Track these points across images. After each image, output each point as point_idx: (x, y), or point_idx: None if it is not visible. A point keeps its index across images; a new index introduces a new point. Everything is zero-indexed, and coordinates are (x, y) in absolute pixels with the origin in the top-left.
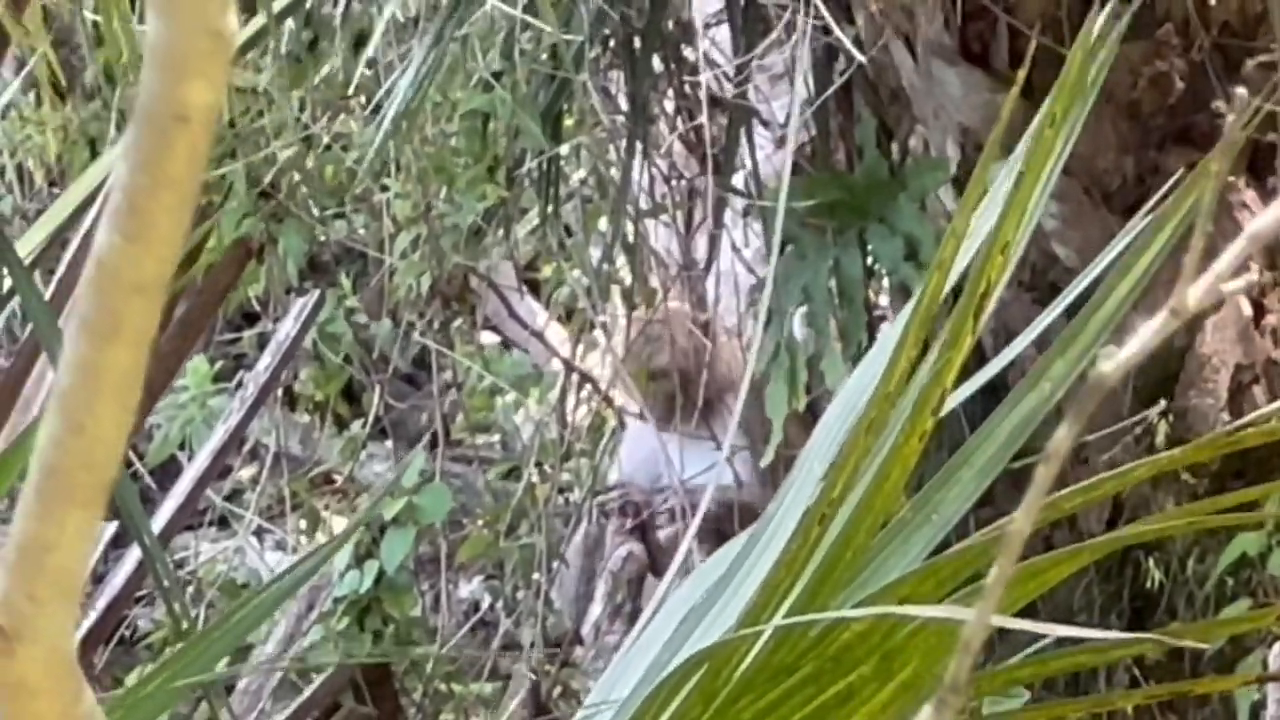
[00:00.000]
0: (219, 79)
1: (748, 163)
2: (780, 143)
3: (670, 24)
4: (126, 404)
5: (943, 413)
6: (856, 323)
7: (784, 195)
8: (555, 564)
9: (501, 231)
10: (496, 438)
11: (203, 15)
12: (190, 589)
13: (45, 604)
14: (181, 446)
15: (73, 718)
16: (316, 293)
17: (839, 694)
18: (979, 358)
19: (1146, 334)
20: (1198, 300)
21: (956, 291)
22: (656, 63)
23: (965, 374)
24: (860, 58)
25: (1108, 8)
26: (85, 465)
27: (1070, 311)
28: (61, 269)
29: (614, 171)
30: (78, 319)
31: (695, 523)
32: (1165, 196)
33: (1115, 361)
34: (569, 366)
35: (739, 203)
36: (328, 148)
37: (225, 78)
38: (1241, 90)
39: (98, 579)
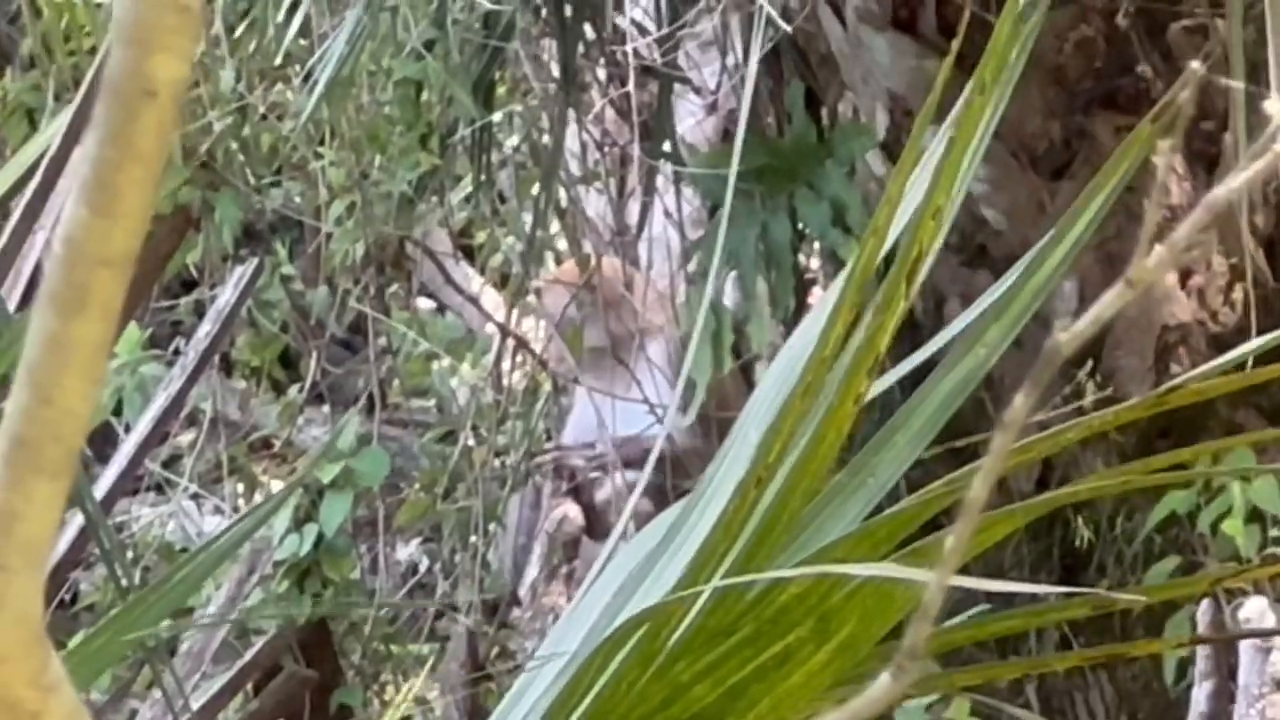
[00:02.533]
0: (186, 53)
1: (678, 129)
2: (710, 109)
3: None
4: (95, 377)
5: (880, 383)
6: (785, 286)
7: (735, 160)
8: (492, 526)
9: (435, 198)
10: (432, 402)
11: None
12: (129, 554)
13: (14, 572)
14: (114, 413)
15: (40, 685)
16: (255, 261)
17: (777, 655)
18: (909, 319)
19: (1103, 304)
20: (1156, 269)
21: (890, 257)
22: (588, 30)
23: (895, 334)
24: (785, 27)
25: None
26: (54, 436)
27: (994, 267)
28: (2, 240)
29: (546, 139)
30: (46, 292)
31: (643, 481)
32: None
33: (1071, 333)
34: (504, 331)
35: (671, 168)
36: (263, 117)
37: (192, 52)
38: (1196, 65)
39: None
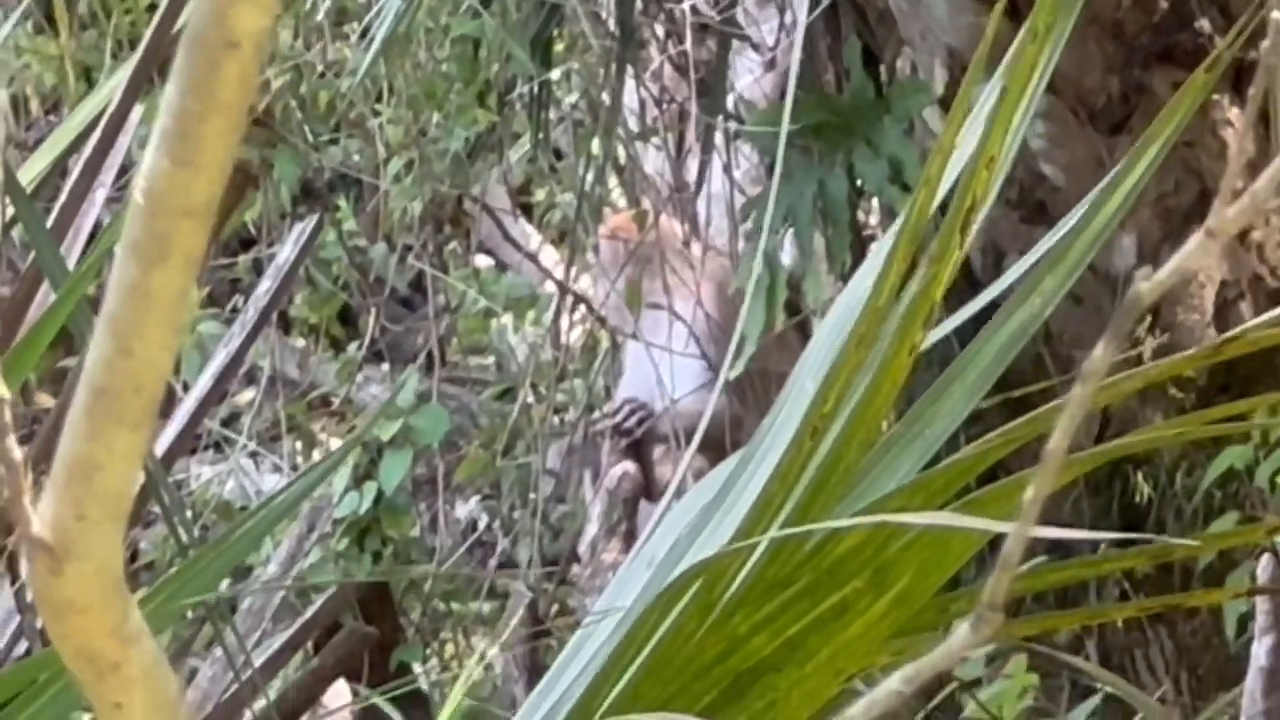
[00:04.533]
0: (268, 5)
1: (736, 85)
2: (768, 66)
3: None
4: (175, 326)
5: (935, 335)
6: (841, 243)
7: (786, 117)
8: (551, 482)
9: (493, 156)
10: (491, 359)
11: None
12: (188, 512)
13: (94, 523)
14: (173, 371)
15: (121, 636)
16: (315, 218)
17: (834, 606)
18: (968, 275)
19: (1184, 255)
20: (1236, 220)
21: (944, 208)
22: None
23: (954, 291)
24: None
25: None
26: (134, 387)
27: (1053, 223)
28: (63, 197)
29: (604, 95)
30: (127, 242)
31: (697, 439)
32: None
33: (1153, 282)
34: (563, 288)
35: (730, 125)
36: (321, 75)
37: (274, 4)
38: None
39: None
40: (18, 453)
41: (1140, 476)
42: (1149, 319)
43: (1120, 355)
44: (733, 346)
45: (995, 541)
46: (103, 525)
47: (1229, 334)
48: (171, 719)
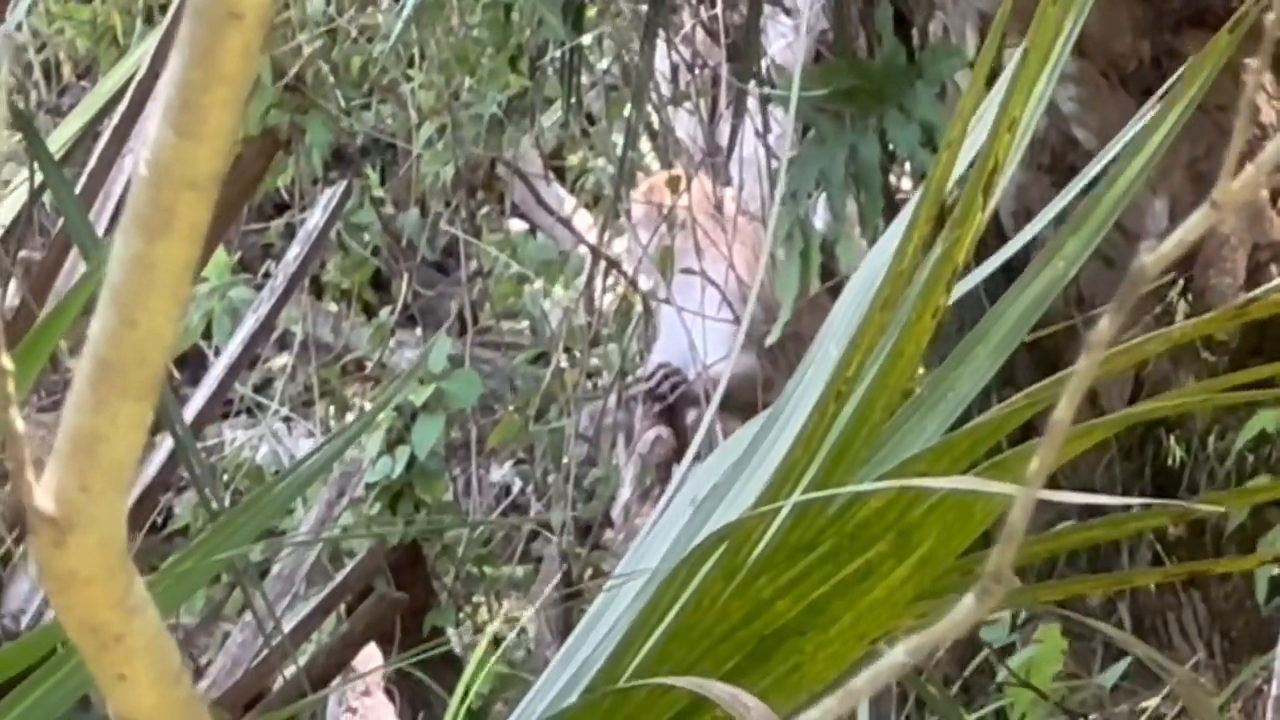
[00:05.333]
0: None
1: (769, 50)
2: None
3: None
4: (179, 299)
5: (957, 294)
6: (874, 207)
7: (796, 81)
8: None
9: (526, 121)
10: (525, 324)
11: None
12: (222, 478)
13: (97, 495)
14: (204, 336)
15: (125, 607)
16: (344, 183)
17: (857, 570)
18: (1000, 239)
19: (1188, 226)
20: (1241, 191)
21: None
22: None
23: (986, 255)
24: None
25: None
26: (138, 359)
27: (1085, 188)
28: (92, 163)
29: (636, 60)
30: (131, 214)
31: (715, 401)
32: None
33: (1157, 255)
34: (596, 252)
35: (761, 90)
36: (353, 40)
37: None
38: None
39: None
40: (21, 424)
41: (1173, 440)
42: (1181, 283)
43: (1151, 317)
44: (753, 307)
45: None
46: (106, 497)
47: (1253, 293)
48: (174, 690)
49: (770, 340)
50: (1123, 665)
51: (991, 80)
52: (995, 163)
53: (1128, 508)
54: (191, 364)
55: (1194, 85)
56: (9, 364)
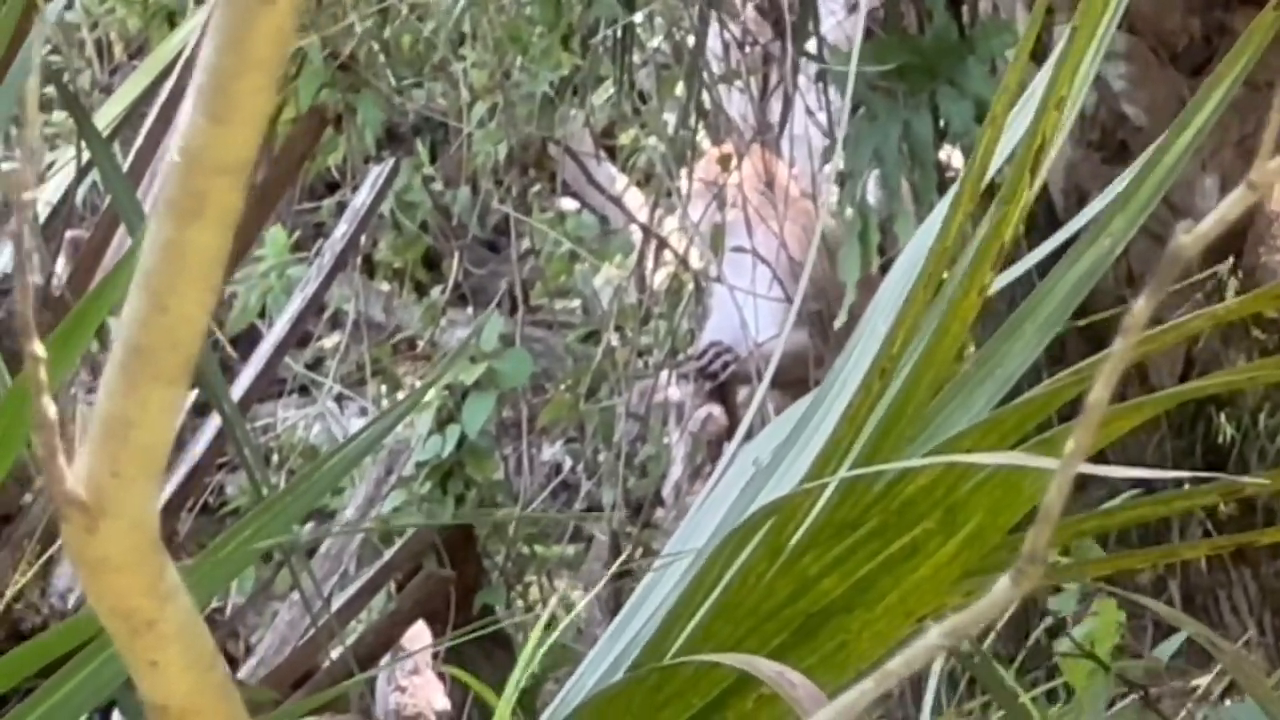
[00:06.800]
0: None
1: (820, 28)
2: (852, 7)
3: None
4: (210, 284)
5: (1011, 274)
6: (928, 184)
7: (853, 58)
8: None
9: (577, 99)
10: (576, 303)
11: None
12: (275, 457)
13: (129, 481)
14: (261, 315)
15: (156, 593)
16: (391, 160)
17: (904, 547)
18: (1050, 217)
19: (1225, 206)
20: (1275, 173)
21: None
22: None
23: (1038, 233)
24: None
25: None
26: (169, 344)
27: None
28: (139, 141)
29: (688, 38)
30: (163, 199)
31: (767, 378)
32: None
33: (1195, 234)
34: (647, 231)
35: (813, 67)
36: (405, 18)
37: None
38: None
39: (179, 446)
40: (53, 410)
41: (1223, 418)
42: (1231, 260)
43: (1202, 295)
44: (806, 286)
45: (1076, 478)
46: (138, 482)
47: None
48: (207, 676)
49: (838, 324)
50: (1178, 640)
51: (1039, 56)
52: (1042, 140)
53: (1178, 484)
54: (248, 343)
55: (1239, 62)
56: (41, 351)
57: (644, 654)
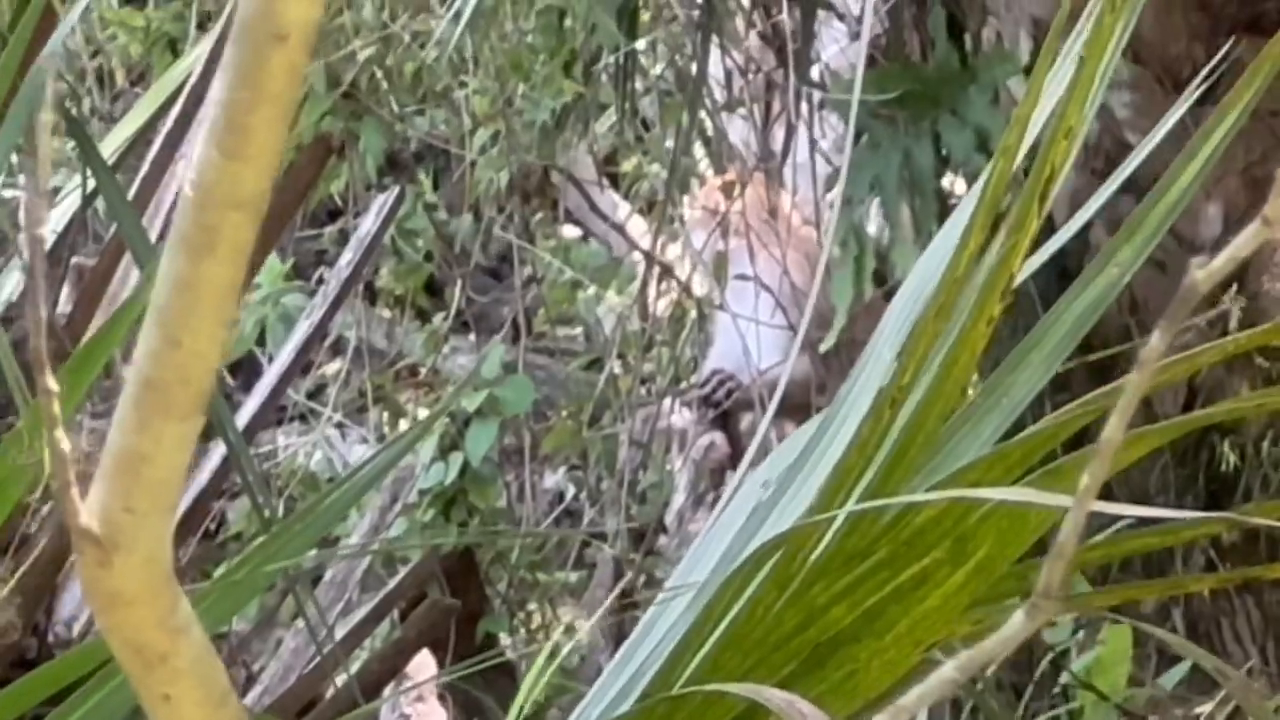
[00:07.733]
0: None
1: (822, 55)
2: (855, 36)
3: None
4: (223, 319)
5: (1013, 286)
6: (928, 213)
7: (857, 85)
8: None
9: (579, 126)
10: (579, 330)
11: None
12: (275, 484)
13: (142, 515)
14: (258, 343)
15: (169, 628)
16: (396, 189)
17: (913, 577)
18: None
19: (1239, 243)
20: None
21: (1025, 177)
22: None
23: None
24: None
25: None
26: (182, 379)
27: (1140, 193)
28: (145, 168)
29: (690, 65)
30: (176, 234)
31: (772, 406)
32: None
33: (1208, 271)
34: (650, 258)
35: (816, 95)
36: (407, 46)
37: None
38: None
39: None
40: (67, 444)
41: (1226, 445)
42: (1235, 286)
43: (1205, 322)
44: (810, 313)
45: None
46: (151, 517)
47: None
48: (220, 710)
49: (824, 347)
50: (1182, 668)
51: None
52: (1051, 170)
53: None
54: (245, 371)
55: (1247, 92)
56: (54, 385)
57: (652, 684)
